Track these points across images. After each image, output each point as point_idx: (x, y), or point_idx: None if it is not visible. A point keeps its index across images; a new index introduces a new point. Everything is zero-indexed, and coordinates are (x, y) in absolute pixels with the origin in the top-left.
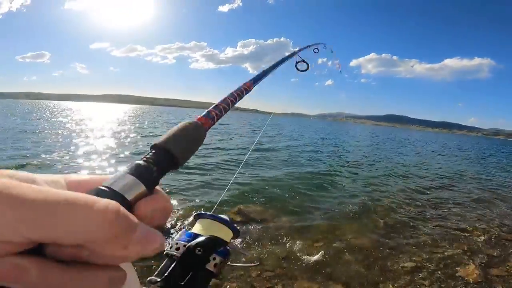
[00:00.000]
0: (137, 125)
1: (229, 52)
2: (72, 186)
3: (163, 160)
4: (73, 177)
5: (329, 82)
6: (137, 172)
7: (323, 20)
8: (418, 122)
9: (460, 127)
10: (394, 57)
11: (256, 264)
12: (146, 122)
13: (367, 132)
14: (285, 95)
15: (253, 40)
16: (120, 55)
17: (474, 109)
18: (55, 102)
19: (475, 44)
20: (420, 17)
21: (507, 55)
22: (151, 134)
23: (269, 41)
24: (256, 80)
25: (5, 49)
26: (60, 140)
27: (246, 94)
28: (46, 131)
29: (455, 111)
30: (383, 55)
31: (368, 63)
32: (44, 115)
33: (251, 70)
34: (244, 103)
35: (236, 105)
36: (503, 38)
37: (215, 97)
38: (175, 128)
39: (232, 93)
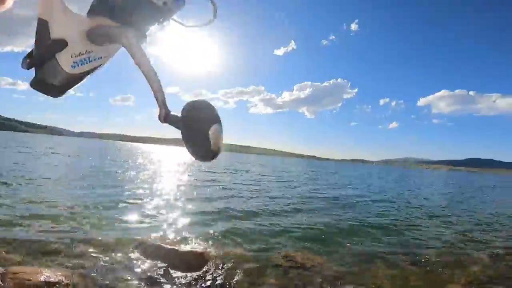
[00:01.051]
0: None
1: (286, 96)
2: None
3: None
4: None
5: (394, 124)
6: None
7: (380, 57)
8: (507, 165)
9: None
10: (471, 93)
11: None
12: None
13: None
14: (344, 140)
15: (309, 83)
16: (189, 99)
17: None
18: (136, 144)
19: None
20: (496, 44)
21: None
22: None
23: (325, 83)
24: None
25: (100, 92)
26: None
27: None
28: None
29: None
30: (457, 91)
31: (439, 101)
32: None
33: (309, 115)
34: (302, 149)
35: (296, 151)
36: None
37: (273, 143)
38: None
39: None
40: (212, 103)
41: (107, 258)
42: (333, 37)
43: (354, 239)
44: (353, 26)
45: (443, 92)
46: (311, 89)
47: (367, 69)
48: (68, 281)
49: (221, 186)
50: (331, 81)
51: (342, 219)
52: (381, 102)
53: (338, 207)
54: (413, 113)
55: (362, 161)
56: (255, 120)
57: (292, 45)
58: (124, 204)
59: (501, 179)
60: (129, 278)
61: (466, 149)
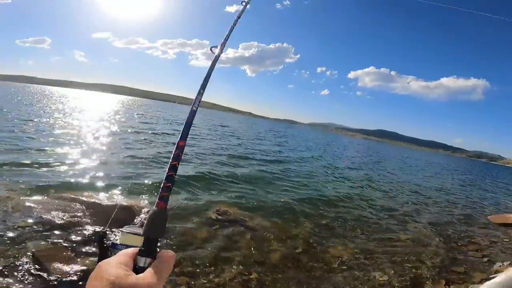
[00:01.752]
0: (126, 116)
1: (230, 53)
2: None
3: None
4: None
5: (325, 91)
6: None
7: (327, 29)
8: (408, 139)
9: (446, 147)
10: (393, 72)
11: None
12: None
13: (357, 145)
14: (280, 100)
15: (255, 43)
16: (121, 46)
17: (462, 130)
18: (48, 87)
19: (473, 63)
20: (422, 33)
21: (503, 78)
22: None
23: (271, 46)
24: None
25: (7, 33)
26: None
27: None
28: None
29: (443, 131)
30: (382, 69)
31: (366, 76)
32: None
33: (250, 73)
34: (239, 105)
35: (231, 106)
36: (502, 59)
37: (212, 97)
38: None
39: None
40: (149, 52)
41: (19, 212)
42: (288, 2)
43: (276, 193)
44: None
45: (371, 68)
46: (256, 49)
47: (312, 38)
48: None
49: (150, 136)
50: (276, 44)
51: (270, 174)
52: (318, 70)
53: (270, 163)
54: (343, 83)
55: (293, 121)
56: (195, 72)
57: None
58: (37, 152)
59: (402, 151)
60: (42, 234)
61: (378, 121)
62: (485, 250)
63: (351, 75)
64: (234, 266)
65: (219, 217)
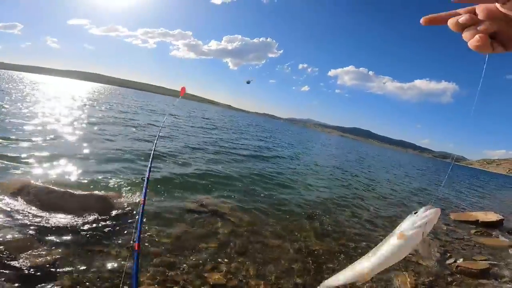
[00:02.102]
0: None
1: (213, 45)
2: None
3: None
4: None
5: (306, 88)
6: None
7: (311, 26)
8: (379, 138)
9: (414, 147)
10: (371, 72)
11: None
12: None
13: (334, 142)
14: (260, 95)
15: (239, 37)
16: (99, 33)
17: (430, 131)
18: (17, 72)
19: (446, 67)
20: (401, 36)
21: (471, 82)
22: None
23: (255, 40)
24: None
25: None
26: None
27: None
28: None
29: (413, 131)
30: (361, 68)
31: (345, 74)
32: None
33: (232, 66)
34: (218, 97)
35: (211, 98)
36: (473, 66)
37: (191, 88)
38: None
39: None
40: (127, 40)
41: None
42: None
43: (261, 188)
44: None
45: (350, 67)
46: (240, 42)
47: (296, 34)
48: None
49: (128, 126)
50: (261, 39)
51: (253, 170)
52: (300, 66)
53: (253, 158)
54: (323, 81)
55: (273, 116)
56: (175, 64)
57: None
58: (5, 142)
59: (375, 149)
60: (13, 228)
61: (354, 119)
62: (447, 246)
63: (331, 73)
64: (213, 256)
65: (200, 208)
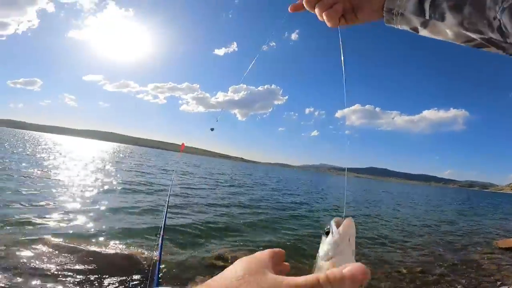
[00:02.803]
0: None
1: (220, 96)
2: None
3: None
4: None
5: (315, 133)
6: None
7: (312, 69)
8: (399, 175)
9: (436, 179)
10: (377, 109)
11: None
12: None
13: (353, 185)
14: (271, 144)
15: (244, 86)
16: (112, 89)
17: (450, 161)
18: (38, 133)
19: (451, 95)
20: (402, 69)
21: (481, 107)
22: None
23: (260, 88)
24: None
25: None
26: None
27: None
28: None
29: (432, 164)
30: (367, 106)
31: (352, 114)
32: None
33: (240, 117)
34: (230, 151)
35: (223, 152)
36: (477, 89)
37: (202, 143)
38: None
39: None
40: (139, 96)
41: (16, 264)
42: (274, 43)
43: (277, 234)
44: (294, 36)
45: (356, 106)
46: (245, 92)
47: (299, 78)
48: None
49: (143, 183)
50: (265, 86)
51: (272, 219)
52: (307, 111)
53: (272, 209)
54: (331, 123)
55: (285, 165)
56: (185, 118)
57: (234, 46)
58: (30, 203)
59: (395, 187)
60: (40, 284)
61: (368, 158)
62: (495, 274)
63: (338, 114)
64: None
65: (220, 262)
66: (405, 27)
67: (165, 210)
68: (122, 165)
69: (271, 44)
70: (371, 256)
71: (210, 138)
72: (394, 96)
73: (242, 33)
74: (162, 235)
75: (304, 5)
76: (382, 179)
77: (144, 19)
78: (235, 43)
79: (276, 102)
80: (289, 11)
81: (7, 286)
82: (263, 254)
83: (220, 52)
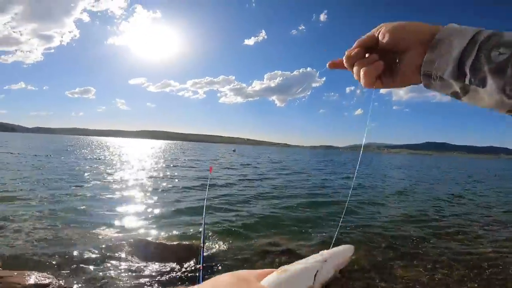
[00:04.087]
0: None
1: (256, 85)
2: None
3: None
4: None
5: (359, 111)
6: None
7: (347, 46)
8: (460, 148)
9: (507, 151)
10: None
11: None
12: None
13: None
14: (314, 127)
15: (279, 72)
16: (156, 90)
17: None
18: (98, 138)
19: None
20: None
21: None
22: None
23: (295, 72)
24: None
25: (56, 85)
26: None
27: None
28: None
29: (501, 134)
30: None
31: (399, 88)
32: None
33: (279, 103)
34: (273, 137)
35: (266, 140)
36: None
37: (244, 132)
38: None
39: None
40: (180, 94)
41: (93, 257)
42: (303, 27)
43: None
44: (322, 17)
45: None
46: (281, 78)
47: (332, 57)
48: (57, 283)
49: (196, 176)
50: (300, 70)
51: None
52: (347, 90)
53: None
54: (376, 100)
55: (330, 147)
56: (225, 110)
57: (263, 34)
58: (99, 203)
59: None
60: (120, 275)
61: (423, 133)
62: None
63: (383, 90)
64: None
65: (273, 248)
66: (446, 92)
67: (205, 202)
68: (178, 161)
69: (300, 28)
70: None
71: (252, 127)
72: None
73: (268, 20)
74: (204, 225)
75: (344, 63)
76: (442, 154)
77: (172, 19)
78: (263, 31)
79: (314, 85)
80: (328, 67)
81: (90, 273)
82: (255, 271)
83: (250, 41)
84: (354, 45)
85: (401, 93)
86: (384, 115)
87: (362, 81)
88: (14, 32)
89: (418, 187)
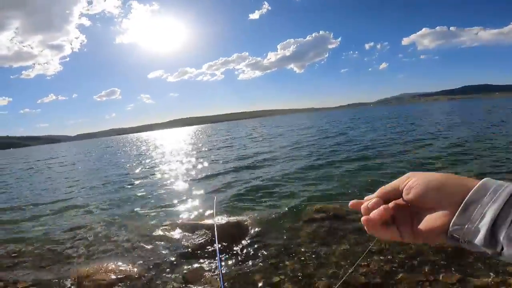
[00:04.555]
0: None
1: (271, 56)
2: None
3: None
4: None
5: (384, 65)
6: None
7: (357, 4)
8: (504, 88)
9: None
10: (452, 28)
11: None
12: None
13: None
14: (338, 87)
15: (292, 40)
16: (174, 79)
17: None
18: (135, 134)
19: None
20: None
21: None
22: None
23: (308, 38)
24: None
25: (83, 90)
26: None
27: None
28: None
29: None
30: (437, 28)
31: (422, 38)
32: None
33: (298, 70)
34: (299, 103)
35: (292, 107)
36: None
37: (269, 104)
38: None
39: None
40: (198, 79)
41: (156, 243)
42: None
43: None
44: None
45: (424, 30)
46: (294, 45)
47: (346, 18)
48: (134, 273)
49: (233, 155)
50: (313, 35)
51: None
52: (367, 46)
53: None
54: (399, 52)
55: (359, 104)
56: (246, 86)
57: (266, 6)
58: (157, 192)
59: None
60: (183, 258)
61: (459, 78)
62: None
63: (405, 41)
64: (339, 260)
65: (319, 214)
66: (477, 250)
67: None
68: (214, 143)
69: None
70: None
71: (275, 97)
72: (469, 13)
73: None
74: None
75: (362, 211)
76: (484, 97)
77: (170, 8)
78: (265, 3)
79: (329, 46)
80: (350, 206)
81: (159, 259)
82: None
83: (255, 15)
84: (375, 194)
85: (426, 42)
86: (411, 66)
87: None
88: (24, 46)
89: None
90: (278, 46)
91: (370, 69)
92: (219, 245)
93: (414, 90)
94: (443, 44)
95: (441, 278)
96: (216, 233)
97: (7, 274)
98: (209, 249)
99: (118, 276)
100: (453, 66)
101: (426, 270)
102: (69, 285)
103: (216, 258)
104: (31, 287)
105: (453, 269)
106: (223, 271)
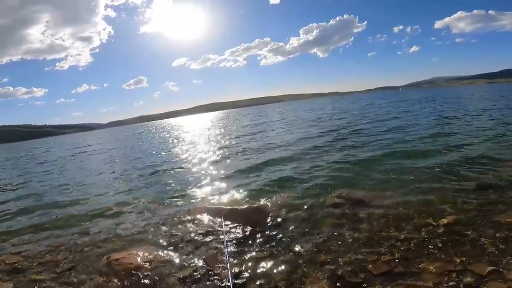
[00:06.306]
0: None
1: (294, 41)
2: None
3: None
4: None
5: (415, 48)
6: None
7: None
8: None
9: None
10: (491, 12)
11: None
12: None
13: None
14: (364, 71)
15: (315, 24)
16: (198, 67)
17: None
18: (163, 120)
19: None
20: None
21: None
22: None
23: (331, 22)
24: None
25: (113, 79)
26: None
27: None
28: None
29: None
30: (474, 11)
31: (458, 22)
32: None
33: (321, 54)
34: (322, 87)
35: (315, 92)
36: None
37: (291, 89)
38: None
39: None
40: (221, 65)
41: (180, 228)
42: None
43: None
44: None
45: (460, 13)
46: (317, 30)
47: (371, 1)
48: (160, 257)
49: (259, 140)
50: (337, 19)
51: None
52: (395, 30)
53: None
54: (432, 35)
55: (388, 87)
56: (269, 71)
57: None
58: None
59: None
60: (204, 242)
61: (499, 61)
62: None
63: (438, 25)
64: (362, 248)
65: (341, 200)
66: None
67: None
68: (241, 127)
69: None
70: None
71: (299, 81)
72: None
73: None
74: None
75: None
76: None
77: None
78: None
79: (355, 30)
80: None
81: (178, 242)
82: None
83: (276, 0)
84: None
85: (462, 26)
86: (445, 49)
87: None
88: (55, 39)
89: None
90: (300, 31)
91: (399, 53)
92: (240, 229)
93: (448, 73)
94: (481, 27)
95: (471, 268)
96: (223, 224)
97: (44, 255)
98: (230, 235)
99: (144, 260)
100: (492, 50)
101: (454, 260)
102: (100, 268)
103: (224, 251)
104: (67, 270)
105: (484, 259)
106: (245, 257)
